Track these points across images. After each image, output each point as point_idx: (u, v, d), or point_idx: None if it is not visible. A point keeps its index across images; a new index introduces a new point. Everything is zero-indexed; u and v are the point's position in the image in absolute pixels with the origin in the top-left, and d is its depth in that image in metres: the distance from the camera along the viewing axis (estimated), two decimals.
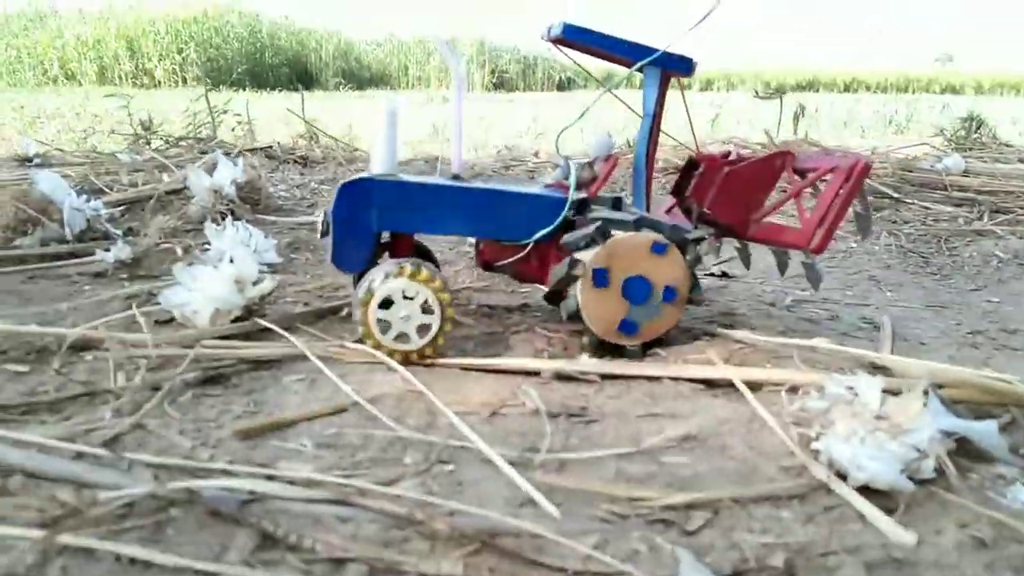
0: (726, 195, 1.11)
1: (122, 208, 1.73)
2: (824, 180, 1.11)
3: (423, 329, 0.96)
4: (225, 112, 3.79)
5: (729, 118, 6.02)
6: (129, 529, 0.63)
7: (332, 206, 0.99)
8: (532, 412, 0.87)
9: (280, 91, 14.94)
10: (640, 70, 1.09)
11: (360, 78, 17.12)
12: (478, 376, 0.96)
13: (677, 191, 1.18)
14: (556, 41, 1.08)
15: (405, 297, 0.95)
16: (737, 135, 4.12)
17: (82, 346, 1.00)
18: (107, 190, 1.85)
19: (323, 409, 0.85)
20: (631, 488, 0.72)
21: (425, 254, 1.15)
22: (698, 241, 1.04)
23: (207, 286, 1.06)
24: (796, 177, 1.16)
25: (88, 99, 11.53)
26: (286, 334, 1.02)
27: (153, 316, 1.11)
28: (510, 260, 1.06)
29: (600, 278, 0.99)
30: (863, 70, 20.81)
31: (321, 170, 2.46)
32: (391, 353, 0.96)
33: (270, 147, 2.58)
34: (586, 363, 0.98)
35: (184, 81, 14.46)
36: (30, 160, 2.41)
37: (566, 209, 1.02)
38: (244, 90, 14.41)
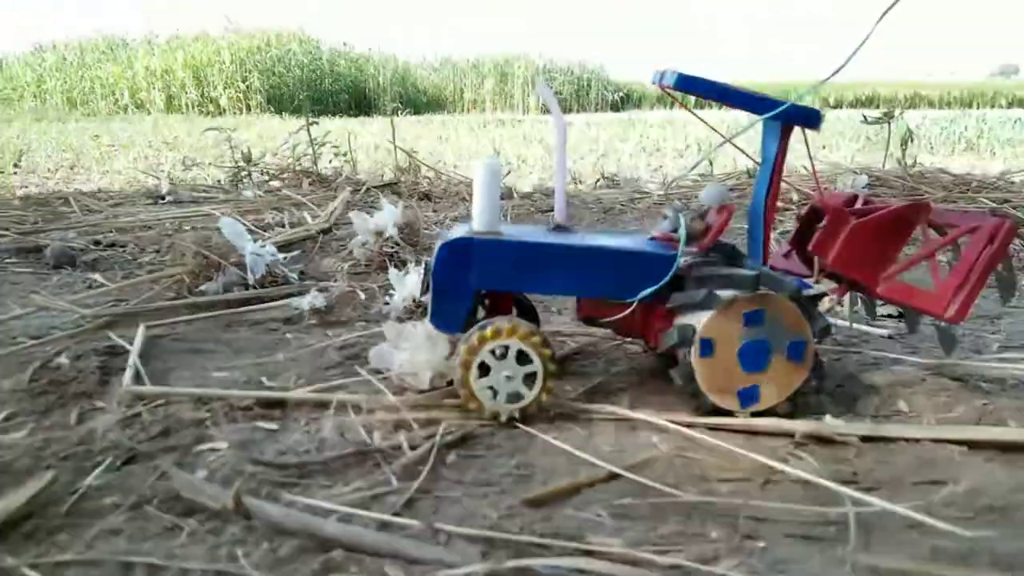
0: (852, 249, 1.01)
1: (281, 248, 1.75)
2: (964, 239, 1.03)
3: (529, 379, 0.93)
4: (323, 144, 3.85)
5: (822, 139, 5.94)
6: None
7: (433, 264, 0.97)
8: (803, 481, 0.84)
9: (340, 116, 15.22)
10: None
11: (417, 102, 17.34)
12: (726, 436, 0.94)
13: (798, 241, 1.12)
14: (668, 89, 1.01)
15: (497, 358, 0.93)
16: (838, 157, 4.05)
17: (317, 401, 1.00)
18: (258, 231, 1.88)
19: (597, 476, 0.83)
20: (955, 569, 0.69)
21: (524, 307, 1.12)
22: (818, 298, 0.99)
23: (422, 349, 1.04)
24: (932, 233, 1.07)
25: (157, 125, 11.88)
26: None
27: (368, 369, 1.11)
28: (613, 318, 1.01)
29: (707, 347, 0.94)
30: (925, 83, 20.42)
31: (448, 206, 2.47)
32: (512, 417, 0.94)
33: (396, 183, 2.60)
34: (839, 424, 0.95)
35: (248, 108, 14.81)
36: (162, 197, 2.47)
37: (674, 267, 0.96)
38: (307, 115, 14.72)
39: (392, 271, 1.38)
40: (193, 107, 14.86)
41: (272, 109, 14.73)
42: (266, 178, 3.42)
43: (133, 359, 1.06)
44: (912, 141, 3.05)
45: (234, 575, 0.67)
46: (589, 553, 0.69)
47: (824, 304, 1.02)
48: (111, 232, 1.97)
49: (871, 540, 0.74)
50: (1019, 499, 0.80)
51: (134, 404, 0.99)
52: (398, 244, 1.64)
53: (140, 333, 1.17)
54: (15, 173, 8.02)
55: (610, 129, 13.02)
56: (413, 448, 0.88)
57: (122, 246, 1.81)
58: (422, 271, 1.11)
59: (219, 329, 1.31)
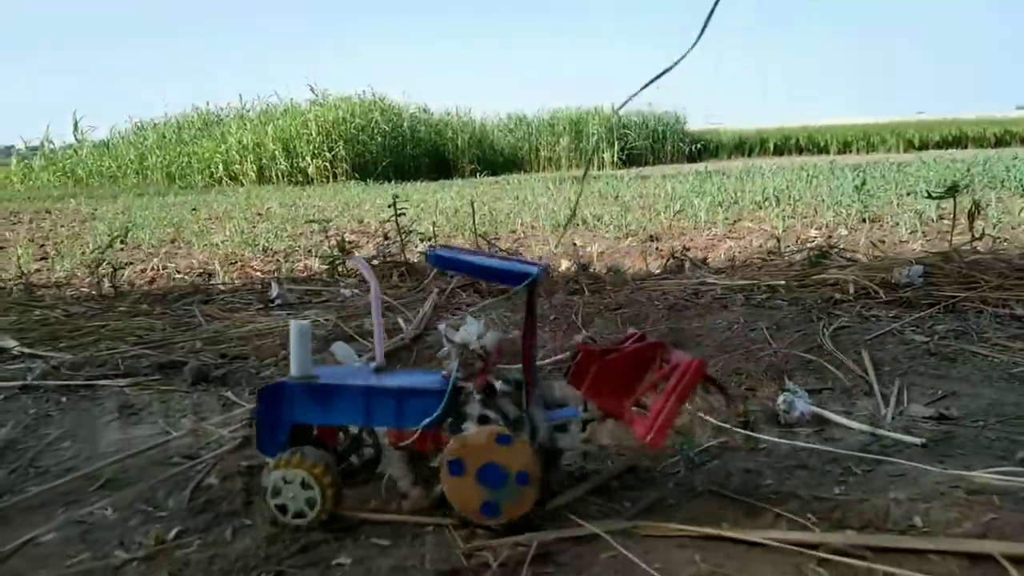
0: (600, 383, 1.21)
1: None
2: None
3: (310, 503, 1.18)
4: (410, 232, 4.17)
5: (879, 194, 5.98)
6: None
7: (256, 402, 1.23)
8: None
9: (422, 180, 15.82)
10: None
11: (494, 163, 17.89)
12: (757, 553, 1.12)
13: (568, 377, 1.29)
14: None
15: (286, 482, 1.18)
16: (906, 240, 4.12)
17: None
18: (362, 340, 2.15)
19: None
20: None
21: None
22: (564, 427, 1.21)
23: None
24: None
25: (250, 197, 12.57)
26: (577, 520, 1.21)
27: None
28: (408, 441, 1.21)
29: (455, 468, 1.15)
30: (962, 120, 19.83)
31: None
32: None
33: (478, 283, 2.85)
34: (858, 538, 1.12)
35: (335, 176, 15.58)
36: (272, 301, 2.79)
37: (443, 403, 1.18)
38: (389, 181, 15.41)
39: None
40: (283, 177, 15.71)
41: (357, 176, 15.49)
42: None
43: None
44: (979, 215, 3.13)
45: None
46: None
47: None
48: (232, 343, 2.27)
49: None
50: None
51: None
52: (482, 355, 1.87)
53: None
54: (121, 249, 8.68)
55: (686, 182, 13.17)
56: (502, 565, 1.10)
57: (244, 358, 2.10)
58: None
59: None
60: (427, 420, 1.18)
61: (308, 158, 15.72)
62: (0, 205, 14.30)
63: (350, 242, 4.60)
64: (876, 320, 2.27)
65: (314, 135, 15.86)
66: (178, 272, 6.20)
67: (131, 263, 6.88)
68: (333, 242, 4.15)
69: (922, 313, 2.34)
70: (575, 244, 6.69)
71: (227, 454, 1.51)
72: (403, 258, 3.89)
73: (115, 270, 4.42)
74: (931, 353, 2.02)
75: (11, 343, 2.42)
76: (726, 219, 7.88)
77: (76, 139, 18.01)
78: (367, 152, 16.18)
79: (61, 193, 16.01)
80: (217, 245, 6.55)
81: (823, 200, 8.53)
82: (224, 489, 1.36)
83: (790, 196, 9.51)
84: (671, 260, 3.47)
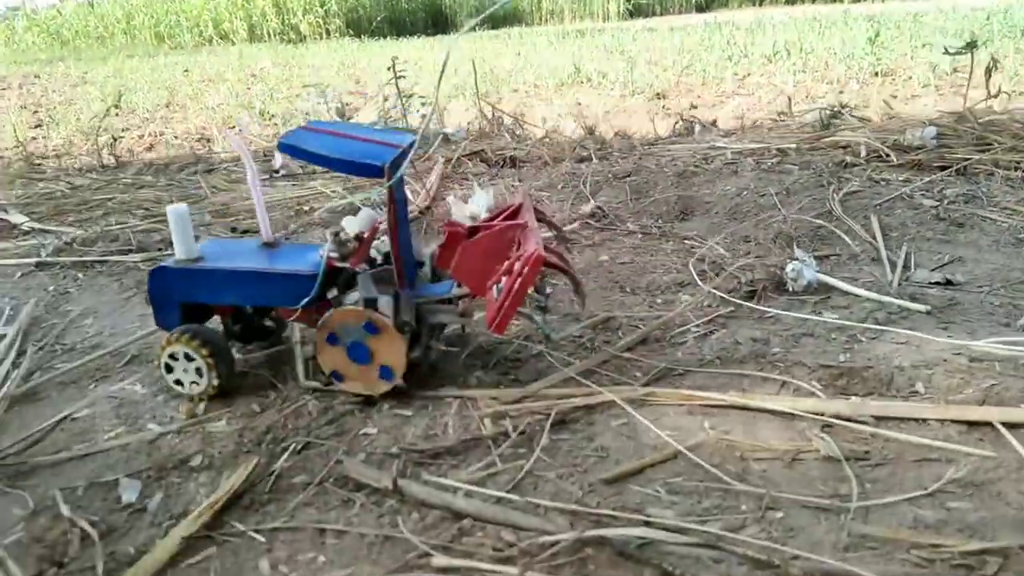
0: (464, 263, 1.20)
1: None
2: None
3: (199, 373, 1.27)
4: (411, 96, 4.07)
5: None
6: (561, 565, 0.89)
7: (148, 283, 1.30)
8: (826, 458, 1.07)
9: (418, 35, 15.26)
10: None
11: (494, 16, 17.16)
12: (764, 419, 1.17)
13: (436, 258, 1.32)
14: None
15: (173, 358, 1.27)
16: (917, 100, 4.03)
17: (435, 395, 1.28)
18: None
19: (658, 457, 1.08)
20: (930, 535, 0.92)
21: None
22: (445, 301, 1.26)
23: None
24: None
25: (242, 56, 12.19)
26: (593, 386, 1.26)
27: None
28: (292, 318, 1.28)
29: (331, 338, 1.22)
30: None
31: (536, 173, 2.68)
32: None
33: (483, 151, 2.81)
34: (862, 405, 1.17)
35: (328, 33, 15.02)
36: (276, 171, 2.77)
37: (316, 288, 1.23)
38: (384, 38, 14.87)
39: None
40: (274, 35, 15.15)
41: (351, 32, 14.92)
42: None
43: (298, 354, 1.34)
44: (996, 70, 3.04)
45: (397, 539, 0.95)
46: (648, 524, 0.95)
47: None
48: (240, 216, 2.28)
49: (869, 511, 0.96)
50: (996, 475, 1.01)
51: (302, 397, 1.28)
52: None
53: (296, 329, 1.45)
54: (117, 114, 8.49)
55: (695, 35, 12.67)
56: (521, 433, 1.15)
57: (255, 231, 2.11)
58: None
59: None
60: (303, 301, 1.24)
61: (300, 14, 15.11)
62: None
63: (348, 104, 4.51)
64: (886, 184, 2.25)
65: None
66: (175, 138, 6.10)
67: (127, 129, 6.77)
68: (332, 107, 4.06)
69: (932, 177, 2.32)
70: (579, 103, 6.56)
71: None
72: (405, 124, 3.83)
73: (114, 140, 4.36)
74: (939, 218, 2.02)
75: (20, 218, 2.43)
76: (735, 74, 7.68)
77: None
78: (360, 7, 15.53)
79: (48, 56, 15.52)
80: (213, 109, 6.41)
81: (835, 53, 8.26)
82: (246, 363, 1.41)
83: (801, 49, 9.20)
84: (680, 123, 3.40)
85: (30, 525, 1.02)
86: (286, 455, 1.14)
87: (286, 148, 1.20)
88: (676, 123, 3.43)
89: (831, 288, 1.63)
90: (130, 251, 2.05)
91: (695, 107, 6.53)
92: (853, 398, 1.21)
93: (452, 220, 1.33)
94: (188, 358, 1.26)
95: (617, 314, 1.54)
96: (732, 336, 1.43)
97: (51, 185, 2.94)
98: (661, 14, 17.68)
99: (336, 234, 1.25)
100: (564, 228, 1.69)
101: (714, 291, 1.63)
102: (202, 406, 1.28)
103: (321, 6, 15.20)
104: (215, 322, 1.38)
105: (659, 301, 1.61)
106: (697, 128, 3.02)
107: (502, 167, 2.72)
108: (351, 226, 1.27)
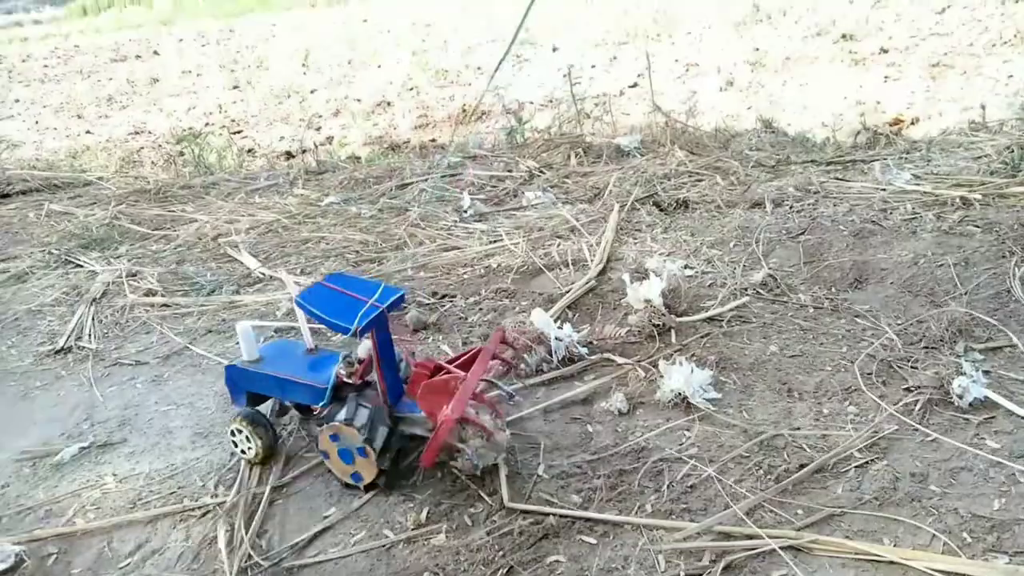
0: (427, 395, 1.57)
1: (570, 307, 2.23)
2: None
3: (251, 446, 1.71)
4: (583, 100, 4.19)
5: None
6: None
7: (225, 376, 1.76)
8: None
9: None
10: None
11: None
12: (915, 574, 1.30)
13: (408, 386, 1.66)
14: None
15: (237, 432, 1.72)
16: None
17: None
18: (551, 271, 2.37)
19: None
20: None
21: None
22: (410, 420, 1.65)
23: None
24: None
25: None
26: (755, 528, 1.43)
27: None
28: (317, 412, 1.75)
29: (323, 454, 1.62)
30: None
31: (708, 223, 2.76)
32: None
33: (656, 195, 2.93)
34: (1015, 573, 1.27)
35: None
36: (465, 212, 3.04)
37: (327, 396, 1.63)
38: None
39: (663, 363, 1.82)
40: None
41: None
42: (538, 144, 3.88)
43: (502, 475, 1.60)
44: None
45: None
46: None
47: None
48: (438, 273, 2.56)
49: None
50: None
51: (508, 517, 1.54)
52: (663, 313, 2.04)
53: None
54: (304, 74, 9.10)
55: None
56: None
57: (452, 296, 2.39)
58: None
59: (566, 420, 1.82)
60: (319, 405, 1.67)
61: None
62: (189, 25, 15.17)
63: (521, 104, 4.70)
64: None
65: None
66: (358, 100, 6.60)
67: (315, 91, 7.32)
68: (504, 102, 4.28)
69: None
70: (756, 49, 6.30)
71: None
72: (579, 131, 3.97)
73: (315, 146, 4.80)
74: None
75: (253, 263, 2.83)
76: (933, 10, 7.09)
77: None
78: None
79: (239, 8, 16.56)
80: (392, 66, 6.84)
81: None
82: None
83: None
84: (860, 132, 3.34)
85: None
86: None
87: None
88: (857, 134, 3.36)
89: (997, 405, 1.67)
90: None
91: (885, 51, 6.18)
92: (999, 559, 1.31)
93: (420, 362, 1.70)
94: (241, 432, 1.71)
95: (784, 433, 1.67)
96: (892, 469, 1.54)
97: (267, 210, 3.37)
98: None
99: (346, 356, 1.66)
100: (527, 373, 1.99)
101: (880, 402, 1.72)
102: (424, 513, 1.57)
103: None
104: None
105: (825, 412, 1.73)
106: (877, 166, 2.92)
107: (675, 209, 2.82)
108: (360, 351, 1.66)
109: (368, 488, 1.63)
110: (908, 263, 2.23)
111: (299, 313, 1.71)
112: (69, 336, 2.43)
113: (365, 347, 1.65)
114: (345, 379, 1.64)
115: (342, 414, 1.60)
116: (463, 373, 1.62)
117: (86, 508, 1.69)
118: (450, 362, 1.69)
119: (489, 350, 1.71)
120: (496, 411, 1.67)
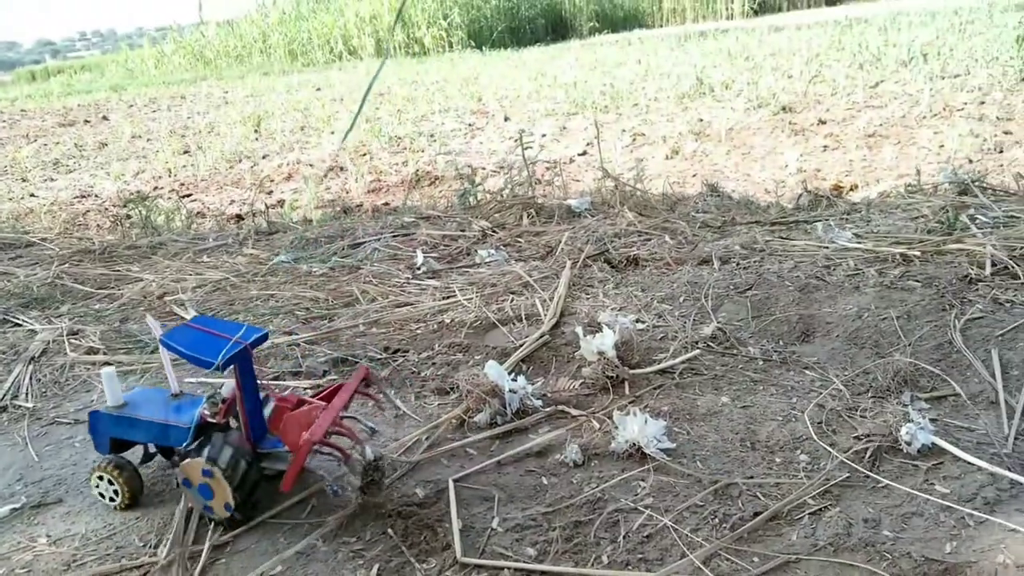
0: (287, 428, 1.61)
1: (524, 361, 2.22)
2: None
3: (116, 492, 1.71)
4: (534, 163, 4.27)
5: None
6: None
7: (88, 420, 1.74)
8: None
9: (538, 44, 15.45)
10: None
11: (614, 18, 17.15)
12: None
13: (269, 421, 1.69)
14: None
15: (99, 479, 1.72)
16: None
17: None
18: (503, 326, 2.36)
19: None
20: None
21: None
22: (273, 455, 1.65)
23: None
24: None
25: (369, 73, 12.69)
26: None
27: None
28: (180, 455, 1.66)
29: (186, 483, 1.60)
30: None
31: (658, 280, 2.81)
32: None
33: (607, 252, 2.97)
34: None
35: (451, 46, 15.45)
36: (418, 268, 3.03)
37: (189, 437, 1.62)
38: (506, 48, 15.15)
39: (617, 414, 1.81)
40: (400, 49, 15.71)
41: (472, 44, 15.30)
42: (490, 205, 3.92)
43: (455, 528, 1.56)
44: None
45: None
46: None
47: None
48: (390, 329, 2.54)
49: None
50: None
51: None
52: (617, 366, 2.05)
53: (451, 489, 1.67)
54: (256, 139, 9.13)
55: (824, 35, 12.32)
56: None
57: (405, 351, 2.37)
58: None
59: (522, 474, 1.77)
60: (182, 447, 1.64)
61: (424, 27, 15.60)
62: (140, 91, 15.18)
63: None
64: (1012, 307, 2.26)
65: (429, 2, 15.65)
66: (310, 165, 6.61)
67: (267, 156, 7.32)
68: (457, 166, 4.33)
69: None
70: (700, 119, 6.58)
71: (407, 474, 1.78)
72: (531, 193, 4.03)
73: (265, 208, 4.77)
74: None
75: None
76: (866, 84, 7.45)
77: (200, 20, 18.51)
78: (482, 17, 15.87)
79: (192, 76, 16.72)
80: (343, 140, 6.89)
81: (976, 59, 7.88)
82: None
83: (939, 52, 8.80)
84: (803, 195, 3.46)
85: None
86: None
87: (165, 344, 1.64)
88: (799, 196, 3.48)
89: (944, 451, 1.70)
90: (298, 373, 2.34)
91: (823, 122, 6.45)
92: None
93: (281, 396, 1.73)
94: (108, 480, 1.71)
95: (738, 481, 1.67)
96: (845, 515, 1.54)
97: (215, 269, 3.32)
98: (789, 9, 17.15)
99: (210, 396, 1.68)
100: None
101: (831, 450, 1.74)
102: (375, 571, 1.51)
103: (444, 18, 15.64)
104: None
105: (778, 461, 1.74)
106: (820, 226, 3.02)
107: (626, 266, 2.86)
108: (224, 390, 1.69)
109: (230, 523, 1.62)
110: (853, 316, 2.29)
111: (163, 355, 1.72)
112: (5, 395, 2.34)
113: (229, 387, 1.66)
114: (209, 419, 1.65)
115: (206, 452, 1.59)
116: (324, 403, 1.68)
117: (16, 572, 1.59)
118: (314, 396, 1.75)
119: (351, 385, 1.75)
120: (356, 438, 1.67)
